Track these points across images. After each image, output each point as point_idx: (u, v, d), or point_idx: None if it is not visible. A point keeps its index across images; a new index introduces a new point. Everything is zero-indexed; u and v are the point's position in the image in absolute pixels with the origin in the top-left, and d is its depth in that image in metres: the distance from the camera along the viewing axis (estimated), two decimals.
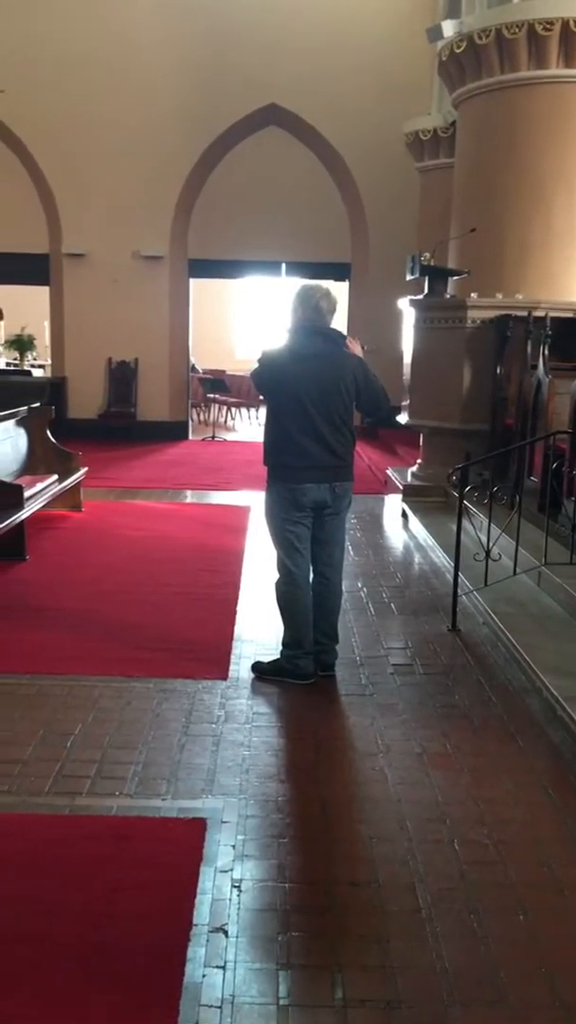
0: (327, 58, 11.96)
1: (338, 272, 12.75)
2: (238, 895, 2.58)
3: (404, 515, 7.78)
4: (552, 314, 6.74)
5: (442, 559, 6.25)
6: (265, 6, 11.84)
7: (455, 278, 8.17)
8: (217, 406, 14.75)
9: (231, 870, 2.69)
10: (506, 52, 8.08)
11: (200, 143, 12.29)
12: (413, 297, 8.11)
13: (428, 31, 9.08)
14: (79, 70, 11.97)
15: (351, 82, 12.02)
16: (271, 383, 4.07)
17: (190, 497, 8.75)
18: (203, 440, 12.92)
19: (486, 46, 8.16)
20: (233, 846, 2.82)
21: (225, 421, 15.03)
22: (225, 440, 13.17)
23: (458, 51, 8.44)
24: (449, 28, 8.57)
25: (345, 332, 4.30)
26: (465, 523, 5.14)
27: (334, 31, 11.92)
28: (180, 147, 12.23)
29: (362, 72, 12.01)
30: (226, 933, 2.41)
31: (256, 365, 4.16)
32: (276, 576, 4.21)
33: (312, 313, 4.05)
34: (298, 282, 11.72)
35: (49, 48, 11.89)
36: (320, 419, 3.98)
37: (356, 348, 4.17)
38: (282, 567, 4.16)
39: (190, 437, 13.06)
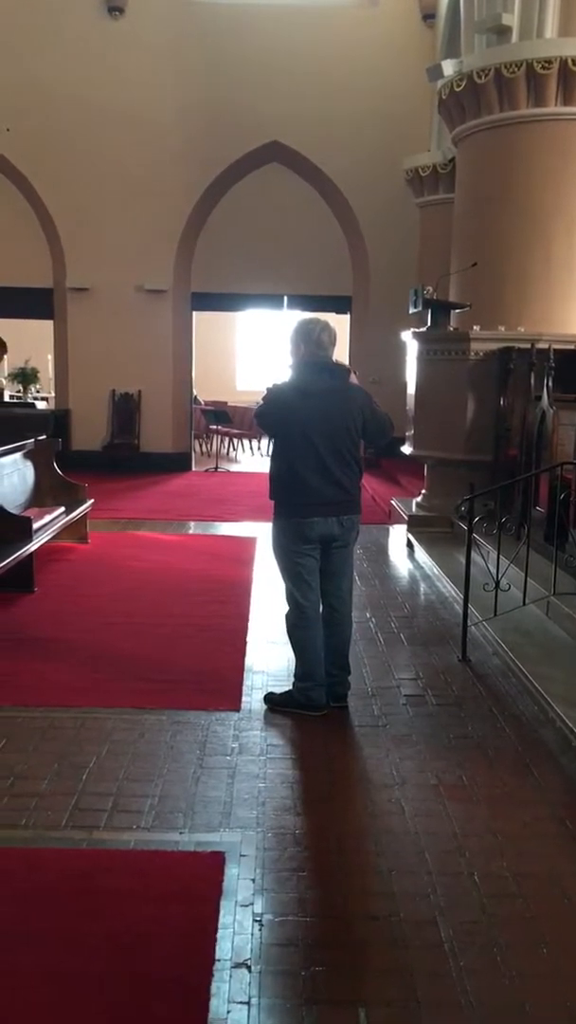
0: (328, 96, 12.19)
1: (339, 305, 12.88)
2: (259, 929, 2.57)
3: (409, 545, 7.81)
4: (554, 346, 6.80)
5: (449, 589, 6.26)
6: (267, 46, 12.07)
7: (457, 311, 8.25)
8: (220, 437, 14.82)
9: (251, 904, 2.68)
10: (505, 91, 8.22)
11: (203, 179, 12.47)
12: (416, 330, 8.20)
13: (428, 70, 9.25)
14: (83, 108, 12.18)
15: (351, 119, 12.23)
16: (279, 420, 4.07)
17: (195, 528, 8.77)
18: (206, 471, 12.98)
19: (485, 85, 8.30)
20: (252, 880, 2.81)
21: (228, 452, 15.09)
22: (228, 471, 13.23)
23: (458, 90, 8.58)
24: (449, 67, 8.72)
25: (347, 364, 4.33)
26: (473, 553, 5.16)
27: (335, 70, 12.16)
28: (183, 183, 12.41)
29: (362, 109, 12.23)
30: (249, 968, 2.40)
31: (261, 402, 4.18)
32: (286, 609, 4.23)
33: (315, 347, 4.08)
34: (299, 315, 11.84)
35: (54, 88, 12.10)
36: (328, 454, 4.01)
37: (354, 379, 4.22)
38: (291, 600, 4.17)
39: (193, 468, 13.12)
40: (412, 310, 8.33)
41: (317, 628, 4.13)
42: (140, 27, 12.14)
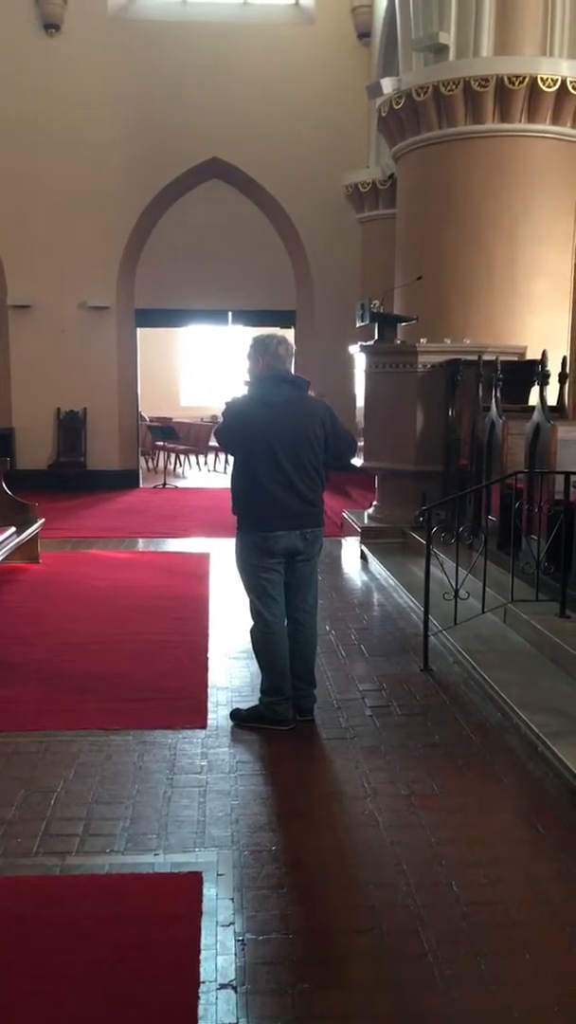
0: (267, 113, 12.26)
1: (284, 319, 12.93)
2: (242, 949, 2.54)
3: (363, 557, 7.85)
4: (501, 358, 6.93)
5: (405, 599, 6.31)
6: (205, 63, 12.11)
7: (404, 324, 8.35)
8: (166, 453, 14.73)
9: (232, 923, 2.65)
10: (444, 108, 8.37)
11: (144, 196, 12.44)
12: (364, 343, 8.27)
13: (368, 88, 9.39)
14: (19, 125, 12.06)
15: (290, 136, 12.33)
16: (240, 433, 4.04)
17: (147, 545, 8.69)
18: (155, 488, 12.89)
19: (424, 102, 8.45)
20: (231, 899, 2.78)
21: (175, 468, 15.01)
22: (176, 487, 13.15)
23: (397, 107, 8.72)
24: (388, 85, 8.86)
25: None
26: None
27: (273, 87, 12.25)
28: (124, 200, 12.36)
29: (301, 126, 12.34)
30: (235, 989, 2.37)
31: (221, 419, 4.16)
32: (251, 623, 4.20)
33: (273, 360, 4.09)
34: (244, 330, 11.80)
35: None
36: (291, 467, 4.00)
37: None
38: (257, 614, 4.15)
39: (141, 485, 13.02)
40: (359, 323, 8.41)
41: (283, 642, 4.12)
42: (77, 44, 12.08)
